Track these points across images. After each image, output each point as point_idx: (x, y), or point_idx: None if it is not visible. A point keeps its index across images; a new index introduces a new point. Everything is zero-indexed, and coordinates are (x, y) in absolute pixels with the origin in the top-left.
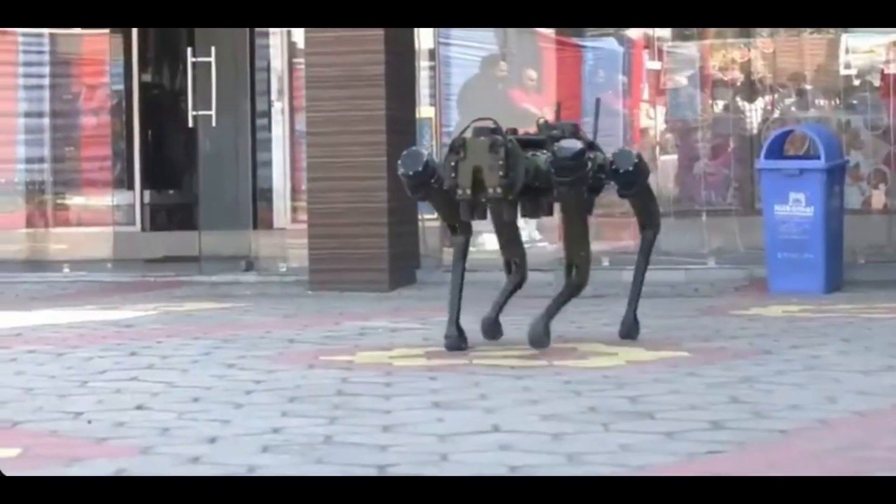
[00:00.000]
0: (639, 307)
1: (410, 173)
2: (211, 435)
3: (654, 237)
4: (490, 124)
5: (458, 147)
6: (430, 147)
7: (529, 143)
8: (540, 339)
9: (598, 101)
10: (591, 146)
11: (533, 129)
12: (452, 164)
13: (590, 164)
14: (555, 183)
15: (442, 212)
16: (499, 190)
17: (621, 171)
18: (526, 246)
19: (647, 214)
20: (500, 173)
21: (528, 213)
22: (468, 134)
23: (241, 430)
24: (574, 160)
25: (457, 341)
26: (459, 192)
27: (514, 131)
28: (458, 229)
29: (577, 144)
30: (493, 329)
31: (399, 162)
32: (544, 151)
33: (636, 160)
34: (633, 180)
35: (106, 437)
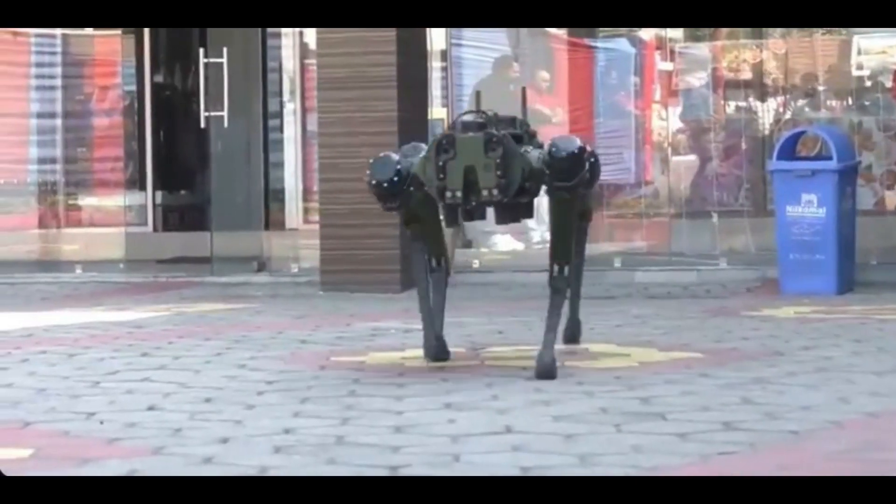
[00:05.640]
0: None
1: (385, 184)
2: (223, 435)
3: (580, 272)
4: (478, 118)
5: (446, 145)
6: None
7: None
8: (548, 370)
9: (523, 89)
10: (521, 138)
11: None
12: (441, 164)
13: (587, 164)
14: (552, 187)
15: (416, 217)
16: (495, 192)
17: (560, 155)
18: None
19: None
20: (497, 173)
21: (501, 219)
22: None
23: (253, 430)
24: (571, 161)
25: (440, 349)
26: (449, 195)
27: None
28: (420, 234)
29: (575, 142)
30: (440, 349)
31: (368, 171)
32: (530, 148)
33: (580, 146)
34: (570, 168)
35: (118, 437)
